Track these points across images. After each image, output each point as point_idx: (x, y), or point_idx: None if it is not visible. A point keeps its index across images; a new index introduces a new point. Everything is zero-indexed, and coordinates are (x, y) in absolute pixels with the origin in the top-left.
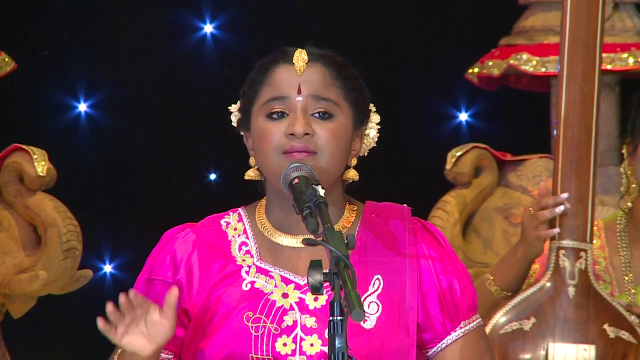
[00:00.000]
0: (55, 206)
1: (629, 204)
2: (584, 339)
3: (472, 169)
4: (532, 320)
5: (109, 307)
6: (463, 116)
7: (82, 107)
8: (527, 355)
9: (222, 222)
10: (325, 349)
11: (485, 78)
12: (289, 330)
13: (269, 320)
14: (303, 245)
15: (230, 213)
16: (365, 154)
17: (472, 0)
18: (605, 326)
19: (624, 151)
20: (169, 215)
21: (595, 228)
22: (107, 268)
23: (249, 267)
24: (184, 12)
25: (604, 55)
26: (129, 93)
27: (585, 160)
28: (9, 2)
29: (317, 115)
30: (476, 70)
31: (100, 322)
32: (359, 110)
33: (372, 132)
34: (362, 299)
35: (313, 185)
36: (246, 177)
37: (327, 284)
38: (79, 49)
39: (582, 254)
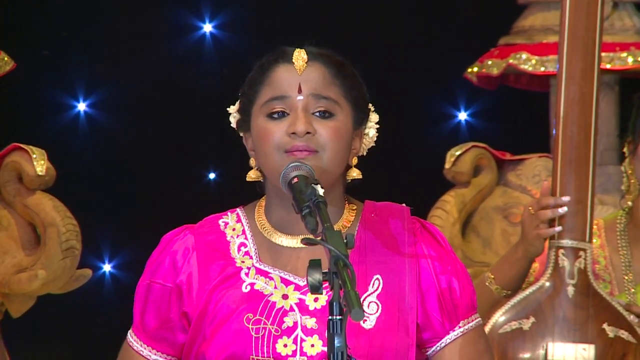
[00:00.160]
0: (55, 206)
1: (630, 203)
2: (583, 339)
3: (472, 168)
4: (532, 319)
5: None
6: (462, 115)
7: (82, 106)
8: (526, 355)
9: (221, 222)
10: (326, 349)
11: (485, 77)
12: (289, 331)
13: (269, 322)
14: (303, 246)
15: (229, 213)
16: (365, 153)
17: (471, 0)
18: (605, 326)
19: (625, 150)
20: (168, 214)
21: (595, 227)
22: (107, 267)
23: (249, 268)
24: (183, 12)
25: (603, 54)
26: (128, 92)
27: (585, 159)
28: (8, 1)
29: (317, 114)
30: (475, 69)
31: None
32: (358, 109)
33: (371, 131)
34: (361, 299)
35: (312, 185)
36: (247, 179)
37: (327, 283)
38: (78, 48)
39: (582, 253)
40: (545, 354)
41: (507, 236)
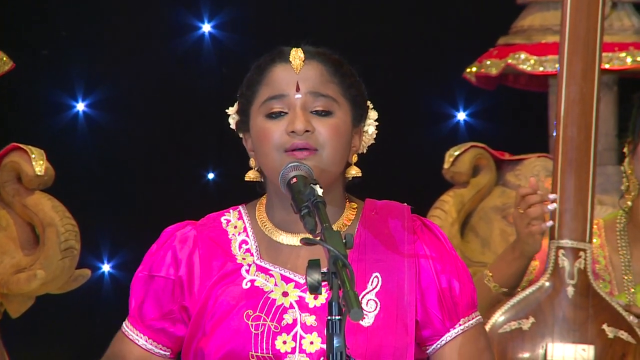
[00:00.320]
0: (54, 205)
1: (629, 203)
2: (582, 339)
3: (470, 168)
4: (531, 319)
5: None
6: (461, 115)
7: (81, 106)
8: (526, 355)
9: (223, 219)
10: (325, 346)
11: (484, 77)
12: (288, 328)
13: (269, 319)
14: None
15: (231, 211)
16: (364, 150)
17: (470, 0)
18: (604, 326)
19: (625, 150)
20: (167, 214)
21: (595, 227)
22: (106, 267)
23: (249, 265)
24: (182, 11)
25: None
26: (127, 92)
27: (585, 159)
28: (7, 1)
29: (316, 112)
30: (474, 69)
31: None
32: (357, 107)
33: (370, 128)
34: (360, 297)
35: (311, 185)
36: (246, 179)
37: (326, 283)
38: (77, 48)
39: (582, 253)
40: (545, 354)
41: (505, 236)
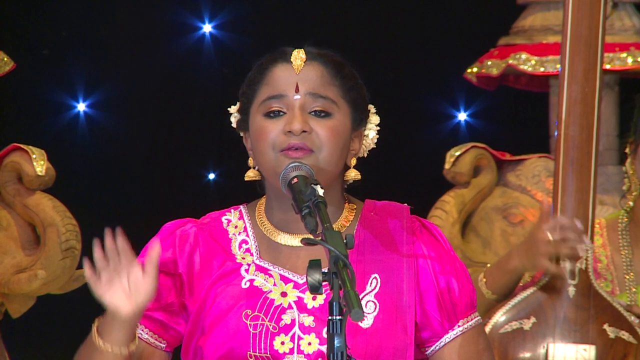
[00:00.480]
0: (54, 206)
1: (631, 204)
2: (584, 339)
3: (471, 168)
4: (532, 319)
5: (96, 245)
6: (462, 116)
7: (81, 106)
8: (527, 355)
9: (224, 219)
10: (323, 347)
11: (484, 78)
12: (287, 328)
13: (267, 319)
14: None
15: (232, 210)
16: (365, 155)
17: (471, 0)
18: (605, 326)
19: (626, 150)
20: (167, 214)
21: (597, 226)
22: None
23: (249, 265)
24: (183, 12)
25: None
26: (128, 92)
27: (586, 159)
28: (7, 1)
29: (314, 113)
30: (475, 69)
31: (86, 267)
32: (357, 110)
33: (371, 133)
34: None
35: (312, 185)
36: (246, 179)
37: (326, 283)
38: (77, 48)
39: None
40: (546, 354)
41: (506, 236)
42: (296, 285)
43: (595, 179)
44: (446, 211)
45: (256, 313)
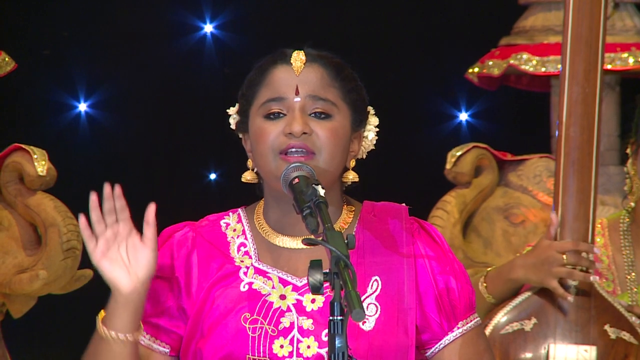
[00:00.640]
0: (56, 206)
1: (632, 204)
2: (584, 340)
3: (472, 168)
4: (533, 320)
5: (93, 198)
6: (463, 116)
7: (82, 106)
8: (528, 356)
9: (222, 222)
10: (322, 351)
11: (486, 78)
12: (285, 332)
13: (266, 322)
14: (301, 247)
15: (230, 214)
16: (364, 156)
17: (472, 0)
18: (606, 327)
19: (628, 151)
20: (169, 214)
21: (599, 226)
22: None
23: (247, 268)
24: (184, 12)
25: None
26: (129, 93)
27: (587, 160)
28: (9, 2)
29: (315, 115)
30: (476, 70)
31: (81, 221)
32: (357, 112)
33: (370, 134)
34: None
35: (313, 185)
36: (243, 180)
37: (327, 284)
38: (79, 48)
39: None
40: (547, 355)
41: (508, 236)
42: (295, 288)
43: (596, 179)
44: (447, 211)
45: (255, 316)
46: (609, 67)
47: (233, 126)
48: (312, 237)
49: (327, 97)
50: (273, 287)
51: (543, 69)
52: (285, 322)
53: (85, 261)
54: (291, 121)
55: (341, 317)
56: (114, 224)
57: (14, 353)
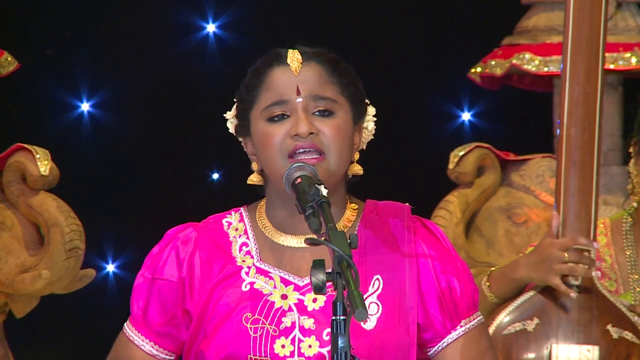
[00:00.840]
0: (58, 206)
1: (635, 204)
2: (587, 340)
3: (475, 168)
4: (536, 320)
5: None
6: (466, 116)
7: (85, 106)
8: (531, 356)
9: (224, 222)
10: (324, 350)
11: (488, 77)
12: (287, 331)
13: (268, 322)
14: (304, 246)
15: (232, 213)
16: (364, 147)
17: (475, 0)
18: (609, 327)
19: (630, 151)
20: (171, 214)
21: (602, 226)
22: (110, 267)
23: (249, 267)
24: (187, 12)
25: (606, 54)
26: (132, 92)
27: (589, 160)
28: (11, 1)
29: (318, 113)
30: (479, 69)
31: None
32: (356, 104)
33: (369, 124)
34: None
35: (316, 185)
36: (249, 182)
37: (330, 283)
38: (81, 48)
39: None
40: (550, 355)
41: (510, 236)
42: (296, 288)
43: (597, 179)
44: (450, 211)
45: (256, 316)
46: (611, 67)
47: (232, 130)
48: (315, 236)
49: (327, 95)
50: (274, 287)
51: (545, 69)
52: (286, 321)
53: (88, 261)
54: (296, 122)
55: (344, 317)
56: None
57: (16, 353)
